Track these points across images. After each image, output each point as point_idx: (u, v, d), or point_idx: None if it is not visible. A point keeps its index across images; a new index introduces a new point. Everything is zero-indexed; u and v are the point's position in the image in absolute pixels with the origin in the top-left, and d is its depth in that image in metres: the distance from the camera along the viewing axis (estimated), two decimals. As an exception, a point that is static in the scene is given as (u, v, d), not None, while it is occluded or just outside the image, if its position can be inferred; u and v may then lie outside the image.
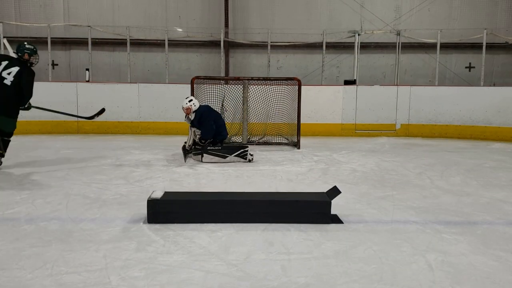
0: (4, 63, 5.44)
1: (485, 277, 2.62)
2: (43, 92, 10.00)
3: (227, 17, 11.96)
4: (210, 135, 6.81)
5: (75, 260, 2.77)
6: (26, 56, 5.62)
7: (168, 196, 3.64)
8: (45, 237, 3.18)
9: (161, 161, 6.55)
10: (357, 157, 7.10)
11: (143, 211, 3.63)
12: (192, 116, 6.81)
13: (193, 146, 6.81)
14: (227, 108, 8.58)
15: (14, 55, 10.21)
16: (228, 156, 6.49)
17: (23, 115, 9.81)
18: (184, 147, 6.75)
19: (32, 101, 5.99)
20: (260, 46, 11.73)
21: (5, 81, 5.37)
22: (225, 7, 11.93)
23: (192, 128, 6.84)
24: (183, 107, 6.79)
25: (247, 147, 6.77)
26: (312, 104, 10.09)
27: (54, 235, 3.22)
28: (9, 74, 5.39)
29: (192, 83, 8.21)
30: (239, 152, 6.55)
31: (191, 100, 6.84)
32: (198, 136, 6.82)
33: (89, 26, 10.72)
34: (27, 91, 5.52)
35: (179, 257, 2.85)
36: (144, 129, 10.20)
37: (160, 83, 10.59)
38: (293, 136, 8.37)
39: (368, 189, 4.86)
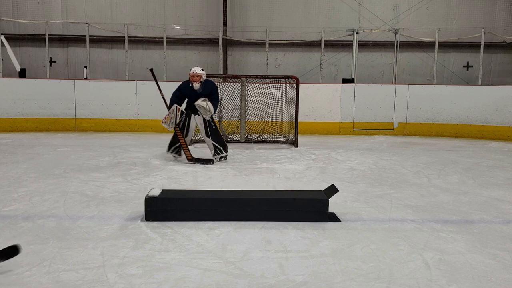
0: None
1: (482, 275, 2.63)
2: (41, 89, 10.01)
3: (226, 15, 11.93)
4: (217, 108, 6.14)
5: (73, 258, 2.76)
6: None
7: (166, 194, 3.64)
8: (42, 235, 3.17)
9: (159, 159, 6.54)
10: (355, 156, 7.11)
11: (141, 208, 3.63)
12: (197, 86, 6.09)
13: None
14: (225, 106, 8.57)
15: (12, 53, 10.25)
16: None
17: (20, 112, 9.87)
18: (174, 146, 6.18)
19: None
20: (258, 44, 11.72)
21: None
22: (223, 5, 11.90)
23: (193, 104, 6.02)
24: (193, 73, 6.10)
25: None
26: (310, 103, 10.09)
27: (52, 233, 3.22)
28: None
29: (190, 81, 8.20)
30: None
31: (203, 69, 6.20)
32: (206, 108, 6.00)
33: (87, 24, 10.70)
34: None
35: (176, 255, 2.85)
36: (142, 127, 10.18)
37: (158, 81, 10.55)
38: (291, 134, 8.37)
39: (365, 188, 4.87)
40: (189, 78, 6.23)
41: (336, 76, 12.11)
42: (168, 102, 6.21)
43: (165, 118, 6.05)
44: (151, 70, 6.28)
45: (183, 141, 6.16)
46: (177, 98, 6.24)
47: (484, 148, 8.35)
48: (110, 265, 2.67)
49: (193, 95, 6.17)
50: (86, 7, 11.87)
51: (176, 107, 6.03)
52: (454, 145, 8.69)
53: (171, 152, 6.38)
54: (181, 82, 6.49)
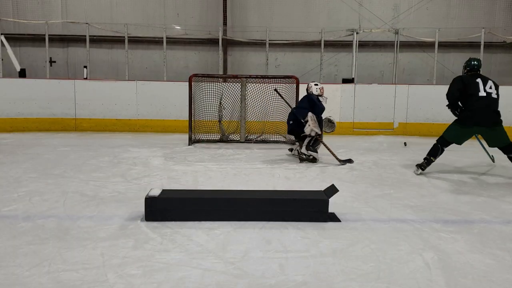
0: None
1: (482, 275, 2.62)
2: (41, 89, 10.00)
3: (226, 15, 11.93)
4: None
5: (73, 258, 2.76)
6: None
7: (166, 194, 3.64)
8: (42, 235, 3.17)
9: (159, 159, 6.54)
10: (355, 156, 7.10)
11: (141, 208, 3.62)
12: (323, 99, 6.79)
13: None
14: (225, 106, 8.57)
15: (11, 53, 10.24)
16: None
17: (20, 112, 9.87)
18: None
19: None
20: (258, 44, 11.71)
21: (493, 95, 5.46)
22: (223, 5, 11.90)
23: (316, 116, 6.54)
24: (322, 88, 6.86)
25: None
26: (310, 103, 10.08)
27: (52, 233, 3.21)
28: (491, 88, 5.47)
29: (190, 81, 8.20)
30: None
31: None
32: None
33: (87, 24, 10.69)
34: None
35: (176, 255, 2.85)
36: (142, 127, 10.18)
37: (158, 81, 10.57)
38: (291, 134, 8.36)
39: (365, 188, 4.87)
40: (321, 91, 6.82)
41: (336, 76, 12.10)
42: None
43: (309, 127, 6.35)
44: (276, 90, 7.19)
45: (326, 145, 6.49)
46: (306, 108, 6.56)
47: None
48: (110, 265, 2.67)
49: (322, 108, 6.74)
50: (86, 7, 11.87)
51: (312, 115, 6.43)
52: (454, 145, 8.67)
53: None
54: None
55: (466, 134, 5.57)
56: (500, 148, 5.53)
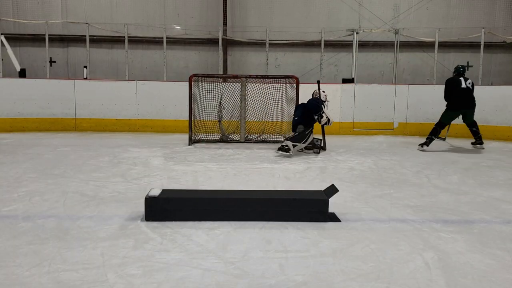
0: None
1: (482, 275, 2.63)
2: (41, 89, 10.01)
3: (226, 14, 11.94)
4: None
5: (73, 258, 2.76)
6: None
7: (166, 194, 3.64)
8: (42, 235, 3.17)
9: (159, 159, 6.54)
10: (355, 156, 7.11)
11: (141, 208, 3.63)
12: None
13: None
14: (225, 106, 8.57)
15: (11, 53, 10.24)
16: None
17: (20, 112, 9.88)
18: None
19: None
20: (258, 44, 11.72)
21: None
22: (223, 4, 11.90)
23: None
24: (327, 95, 7.81)
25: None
26: (310, 103, 10.08)
27: (52, 233, 3.22)
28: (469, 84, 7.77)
29: (190, 81, 8.20)
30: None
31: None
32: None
33: (87, 23, 10.69)
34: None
35: (176, 255, 2.85)
36: (142, 127, 10.18)
37: (158, 81, 10.57)
38: (291, 134, 8.35)
39: (365, 188, 4.87)
40: (326, 98, 7.80)
41: (336, 76, 12.11)
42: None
43: (326, 118, 7.43)
44: (318, 82, 7.73)
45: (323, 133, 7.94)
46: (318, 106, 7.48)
47: (484, 148, 8.34)
48: (110, 265, 2.67)
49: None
50: (86, 7, 11.88)
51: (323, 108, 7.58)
52: (454, 145, 8.69)
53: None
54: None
55: (454, 115, 7.89)
56: (467, 124, 7.87)
